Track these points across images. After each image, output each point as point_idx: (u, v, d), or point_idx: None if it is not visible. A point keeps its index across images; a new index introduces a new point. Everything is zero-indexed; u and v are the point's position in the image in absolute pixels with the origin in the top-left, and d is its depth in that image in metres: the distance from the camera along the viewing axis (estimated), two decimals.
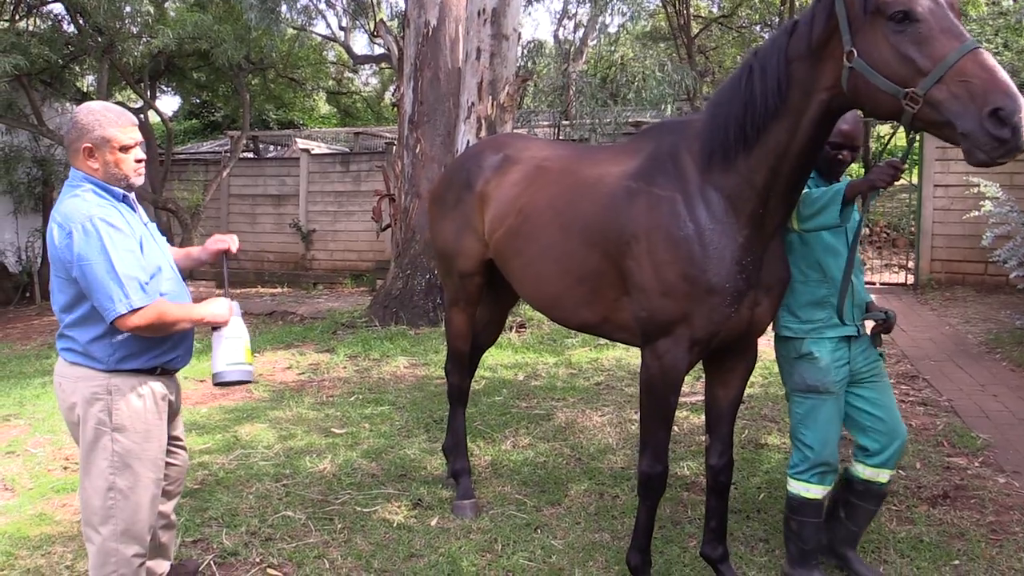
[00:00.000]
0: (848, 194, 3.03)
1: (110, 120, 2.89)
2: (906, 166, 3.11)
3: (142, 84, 16.81)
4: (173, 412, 3.17)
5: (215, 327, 3.06)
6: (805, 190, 3.17)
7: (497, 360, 8.06)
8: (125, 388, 2.89)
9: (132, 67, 15.16)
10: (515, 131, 10.75)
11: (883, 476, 3.46)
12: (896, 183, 3.06)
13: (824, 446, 3.35)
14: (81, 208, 2.78)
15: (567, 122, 14.47)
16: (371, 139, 19.43)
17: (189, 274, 14.58)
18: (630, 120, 14.42)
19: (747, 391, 6.17)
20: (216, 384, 3.08)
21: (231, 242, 3.37)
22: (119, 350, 2.87)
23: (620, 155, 3.55)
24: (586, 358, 8.10)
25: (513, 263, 3.85)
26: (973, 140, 2.35)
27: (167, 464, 3.17)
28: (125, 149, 2.90)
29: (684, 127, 3.35)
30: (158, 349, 2.96)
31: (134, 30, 14.19)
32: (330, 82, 25.93)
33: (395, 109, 12.72)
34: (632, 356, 7.80)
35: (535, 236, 3.68)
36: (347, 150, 19.80)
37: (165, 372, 3.04)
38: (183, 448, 3.34)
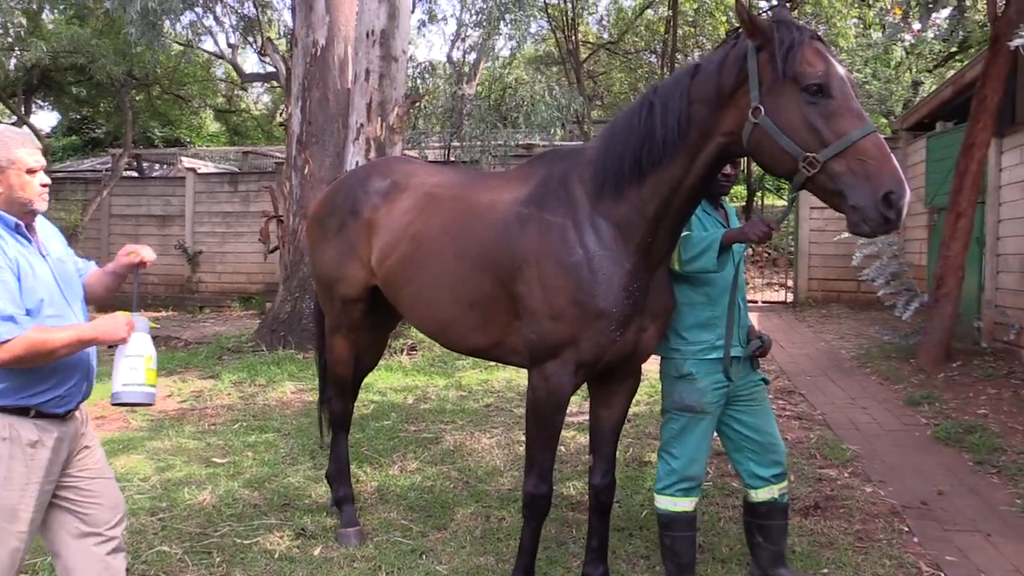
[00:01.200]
0: (724, 242, 3.20)
1: (15, 140, 2.68)
2: (780, 229, 3.27)
3: (15, 98, 16.01)
4: (66, 456, 2.82)
5: (112, 345, 2.82)
6: (685, 232, 3.28)
7: (387, 384, 7.96)
8: None
9: (4, 80, 14.41)
10: (405, 153, 10.71)
11: (776, 492, 3.56)
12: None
13: (691, 462, 3.42)
14: None
15: (458, 144, 14.52)
16: (261, 159, 19.04)
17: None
18: (520, 143, 14.60)
19: (633, 409, 6.27)
20: (113, 404, 2.85)
21: (144, 253, 3.09)
22: None
23: (512, 181, 3.57)
24: (476, 380, 8.09)
25: (404, 291, 3.82)
26: (863, 214, 2.54)
27: (87, 505, 2.84)
28: (31, 172, 2.70)
29: (576, 155, 3.40)
30: (30, 388, 2.66)
31: (8, 41, 13.50)
32: (219, 99, 25.33)
33: (284, 129, 12.49)
34: (522, 377, 7.81)
35: (428, 263, 3.66)
36: (236, 170, 19.31)
37: (42, 415, 2.71)
38: (107, 484, 2.95)
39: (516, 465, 5.34)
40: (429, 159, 15.14)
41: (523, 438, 5.75)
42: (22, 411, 2.66)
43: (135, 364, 2.81)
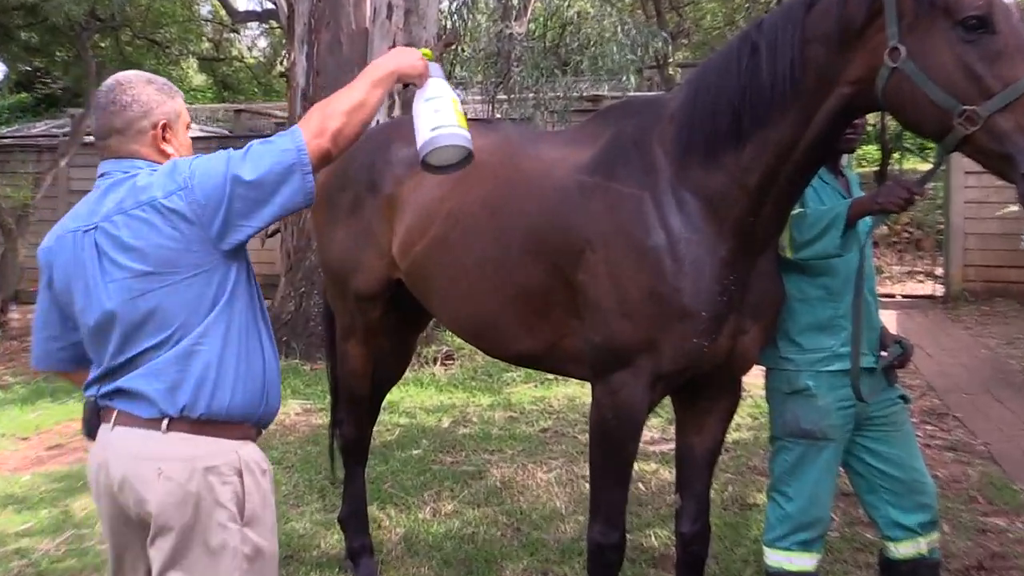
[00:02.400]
0: (851, 217, 3.15)
1: (171, 89, 2.80)
2: (925, 194, 3.21)
3: None
4: None
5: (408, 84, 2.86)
6: (798, 209, 3.24)
7: (415, 402, 8.02)
8: None
9: None
10: None
11: (924, 546, 3.47)
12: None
13: (811, 505, 3.38)
14: None
15: (505, 97, 14.51)
16: (257, 119, 19.30)
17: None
18: (584, 94, 14.54)
19: (732, 436, 6.21)
20: (425, 166, 2.86)
21: None
22: None
23: (573, 142, 3.58)
24: (530, 397, 8.11)
25: (436, 283, 3.86)
26: None
27: None
28: (188, 127, 2.87)
29: (655, 108, 3.39)
30: (259, 403, 2.71)
31: None
32: (204, 45, 25.74)
33: (286, 81, 12.62)
34: (588, 393, 7.74)
35: (466, 247, 3.70)
36: (226, 132, 19.60)
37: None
38: None
39: (581, 507, 5.31)
40: (468, 117, 15.13)
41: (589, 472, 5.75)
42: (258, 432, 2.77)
43: (440, 106, 2.82)
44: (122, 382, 2.54)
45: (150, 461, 2.48)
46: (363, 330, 4.33)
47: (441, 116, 2.80)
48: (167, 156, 2.69)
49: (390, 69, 2.74)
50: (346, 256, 4.24)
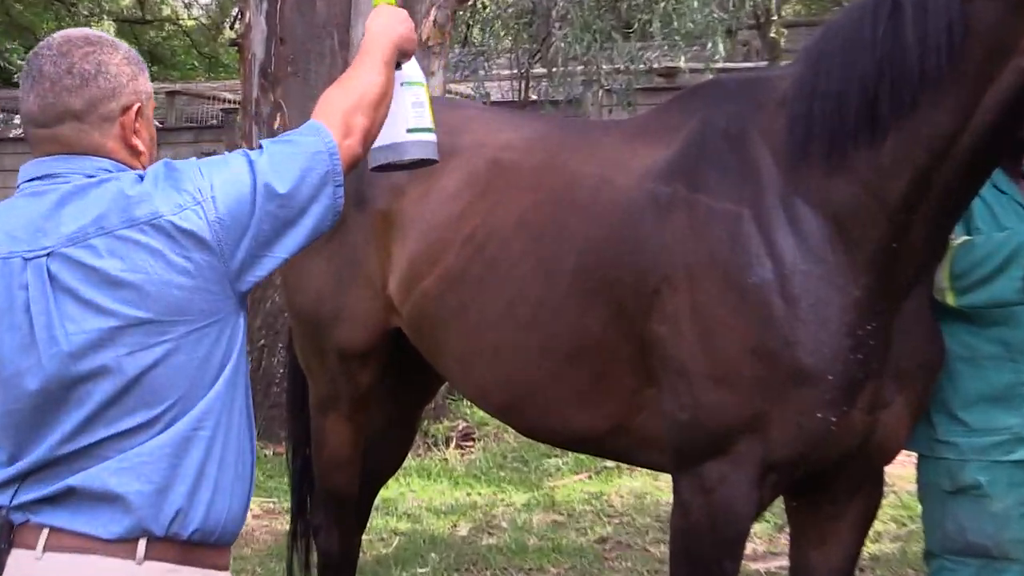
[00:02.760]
0: None
1: (139, 60, 2.67)
2: None
3: None
4: None
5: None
6: (961, 237, 3.24)
7: (422, 500, 7.99)
8: None
9: None
10: (450, 92, 10.82)
11: None
12: None
13: None
14: None
15: (543, 71, 14.57)
16: (198, 103, 19.46)
17: None
18: (655, 66, 14.55)
19: (870, 548, 6.14)
20: (388, 165, 2.95)
21: None
22: None
23: (641, 137, 3.62)
24: (581, 494, 8.05)
25: (449, 334, 3.87)
26: None
27: None
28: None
29: (756, 89, 3.44)
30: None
31: None
32: (124, 2, 26.01)
33: (238, 51, 12.70)
34: (664, 488, 7.74)
35: (493, 284, 3.72)
36: (156, 123, 19.73)
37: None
38: None
39: None
40: (492, 100, 15.16)
41: None
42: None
43: (419, 96, 2.92)
44: (74, 480, 2.31)
45: None
46: (349, 401, 4.31)
47: (420, 114, 2.90)
48: (136, 155, 2.57)
49: (393, 42, 2.76)
50: (324, 297, 4.25)
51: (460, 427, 9.55)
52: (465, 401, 9.32)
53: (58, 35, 2.57)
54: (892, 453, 3.41)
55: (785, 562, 3.77)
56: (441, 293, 3.84)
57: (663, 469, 3.54)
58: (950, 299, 3.27)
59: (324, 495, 4.53)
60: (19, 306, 2.33)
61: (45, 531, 2.30)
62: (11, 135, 21.32)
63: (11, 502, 2.33)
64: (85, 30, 2.65)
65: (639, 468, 7.71)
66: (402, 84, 2.87)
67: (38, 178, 2.46)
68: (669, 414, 3.28)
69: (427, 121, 2.90)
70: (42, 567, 2.29)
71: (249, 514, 7.70)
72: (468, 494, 8.21)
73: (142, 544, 2.27)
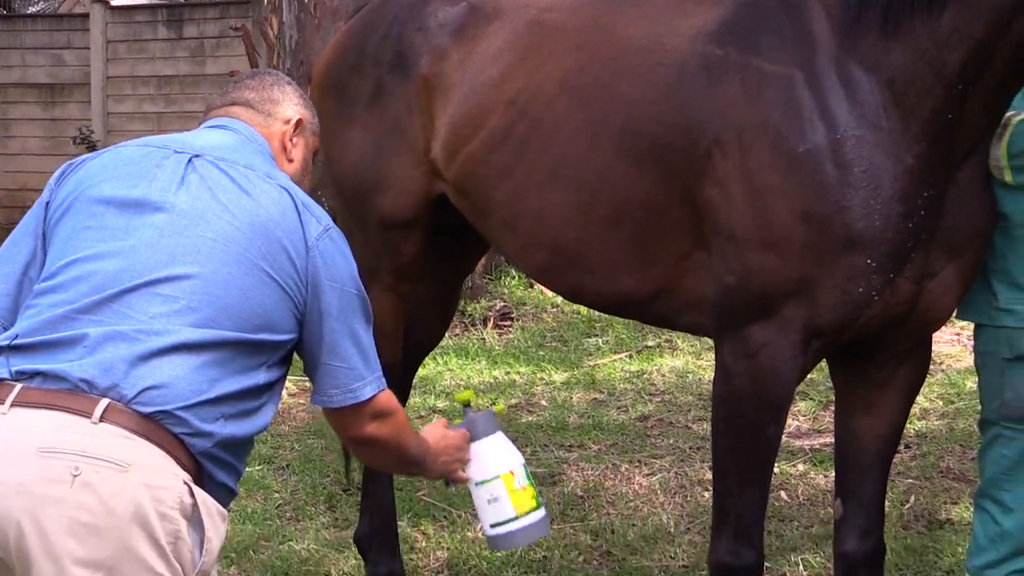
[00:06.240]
0: None
1: (312, 105, 3.15)
2: None
3: None
4: None
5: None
6: (1022, 113, 3.20)
7: (460, 378, 8.03)
8: None
9: None
10: None
11: None
12: None
13: None
14: None
15: None
16: None
17: None
18: None
19: (915, 425, 6.14)
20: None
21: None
22: None
23: None
24: (622, 372, 8.08)
25: (494, 197, 3.87)
26: None
27: None
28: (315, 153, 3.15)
29: None
30: None
31: None
32: None
33: None
34: (706, 365, 7.73)
35: (537, 146, 3.71)
36: (178, 0, 19.64)
37: None
38: None
39: (697, 523, 5.33)
40: None
41: (708, 473, 5.73)
42: None
43: (492, 492, 3.15)
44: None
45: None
46: (391, 272, 4.33)
47: (498, 509, 3.14)
48: (288, 161, 2.89)
49: (432, 470, 3.12)
50: (366, 166, 4.24)
51: (498, 306, 9.52)
52: (503, 280, 9.32)
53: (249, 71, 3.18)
54: (939, 322, 3.41)
55: (829, 439, 3.77)
56: (486, 156, 3.83)
57: (705, 333, 3.54)
58: (1008, 177, 3.24)
59: None
60: (154, 176, 2.59)
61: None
62: (34, 8, 21.22)
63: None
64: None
65: (680, 348, 7.75)
66: (476, 484, 3.14)
67: (208, 124, 2.92)
68: (716, 277, 3.27)
69: (508, 511, 3.11)
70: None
71: (285, 392, 7.84)
72: (507, 373, 8.23)
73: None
